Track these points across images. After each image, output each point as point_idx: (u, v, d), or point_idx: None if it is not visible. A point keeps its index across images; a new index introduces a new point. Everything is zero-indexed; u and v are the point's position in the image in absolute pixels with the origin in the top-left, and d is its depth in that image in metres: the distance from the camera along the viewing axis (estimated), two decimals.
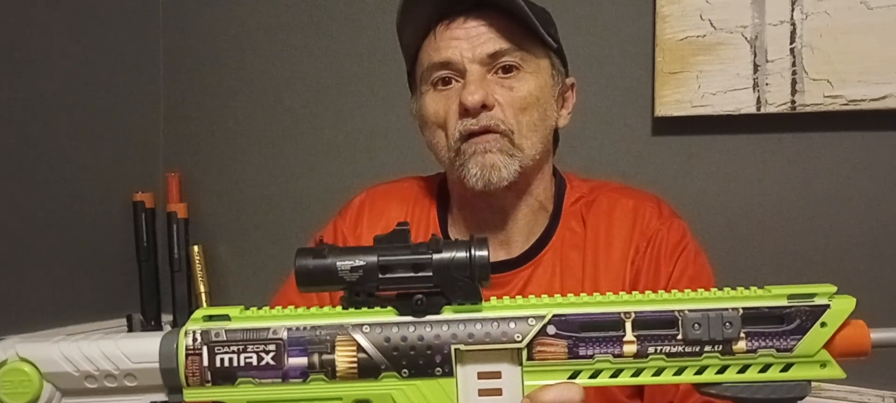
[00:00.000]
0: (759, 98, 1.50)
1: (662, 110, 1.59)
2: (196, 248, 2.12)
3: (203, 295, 2.09)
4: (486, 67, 1.02)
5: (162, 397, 0.69)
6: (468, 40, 1.02)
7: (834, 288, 0.66)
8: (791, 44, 1.47)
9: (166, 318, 2.14)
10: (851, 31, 1.42)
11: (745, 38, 1.51)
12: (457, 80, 1.03)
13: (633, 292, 0.68)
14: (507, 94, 1.02)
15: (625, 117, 1.66)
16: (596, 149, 1.68)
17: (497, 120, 1.01)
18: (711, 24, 1.53)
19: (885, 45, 1.40)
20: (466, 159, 1.02)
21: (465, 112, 1.01)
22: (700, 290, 0.67)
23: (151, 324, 2.10)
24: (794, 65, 1.47)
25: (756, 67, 1.50)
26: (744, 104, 1.52)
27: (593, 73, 1.66)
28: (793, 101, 1.48)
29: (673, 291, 0.67)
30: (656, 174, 1.62)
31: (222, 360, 0.67)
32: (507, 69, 1.03)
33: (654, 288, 1.04)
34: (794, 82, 1.47)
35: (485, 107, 1.00)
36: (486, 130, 1.01)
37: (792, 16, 1.47)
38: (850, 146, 1.48)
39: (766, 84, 1.50)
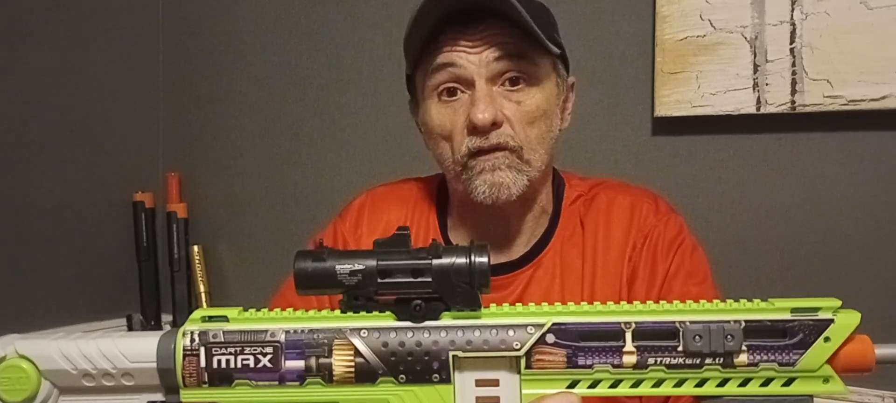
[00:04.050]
0: (759, 98, 1.50)
1: (662, 110, 1.59)
2: (196, 248, 2.12)
3: (203, 296, 2.09)
4: (493, 79, 1.00)
5: (159, 397, 0.68)
6: (475, 50, 0.99)
7: (838, 302, 0.65)
8: (791, 44, 1.47)
9: (166, 318, 2.14)
10: (851, 31, 1.42)
11: (745, 38, 1.51)
12: (462, 92, 1.01)
13: (635, 302, 0.67)
14: (516, 109, 1.00)
15: (625, 117, 1.66)
16: (596, 149, 1.68)
17: (506, 136, 0.99)
18: (711, 24, 1.53)
19: (885, 45, 1.40)
20: (474, 175, 1.01)
21: (474, 129, 0.99)
22: (702, 302, 0.66)
23: (151, 324, 2.11)
24: (793, 65, 1.47)
25: (756, 67, 1.50)
26: (744, 104, 1.52)
27: (593, 73, 1.66)
28: (793, 101, 1.48)
29: (674, 302, 0.66)
30: (656, 174, 1.62)
31: (219, 361, 0.66)
32: (515, 81, 1.01)
33: (651, 283, 1.04)
34: (793, 82, 1.47)
35: (494, 124, 0.98)
36: (495, 148, 0.99)
37: (792, 16, 1.46)
38: (850, 146, 1.48)
39: (766, 84, 1.49)
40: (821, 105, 1.46)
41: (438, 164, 1.09)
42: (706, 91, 1.54)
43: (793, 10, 1.46)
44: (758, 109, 1.51)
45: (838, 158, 1.49)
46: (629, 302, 1.00)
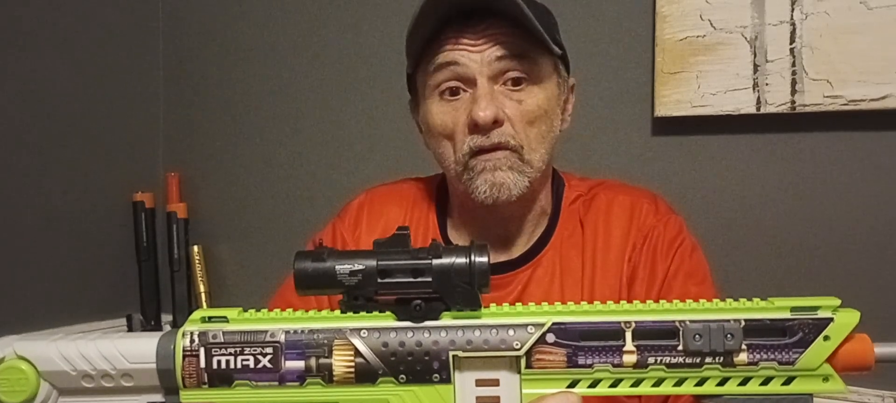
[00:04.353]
0: (759, 98, 1.50)
1: (662, 110, 1.59)
2: (196, 248, 2.12)
3: (203, 295, 2.09)
4: (494, 78, 1.00)
5: (159, 397, 0.68)
6: (477, 49, 0.99)
7: (838, 301, 0.65)
8: (791, 44, 1.47)
9: (166, 318, 2.14)
10: (851, 31, 1.42)
11: (745, 38, 1.50)
12: (464, 90, 1.01)
13: (634, 301, 0.67)
14: (516, 108, 1.00)
15: (625, 117, 1.66)
16: (596, 149, 1.68)
17: (507, 136, 0.99)
18: (711, 24, 1.53)
19: (885, 45, 1.40)
20: (475, 175, 1.01)
21: (476, 127, 0.99)
22: (701, 301, 0.66)
23: (151, 324, 2.10)
24: (793, 65, 1.47)
25: (756, 67, 1.50)
26: (744, 104, 1.52)
27: (593, 73, 1.66)
28: (793, 101, 1.48)
29: (674, 301, 0.66)
30: (656, 174, 1.62)
31: (219, 362, 0.66)
32: (517, 81, 1.01)
33: (651, 284, 1.04)
34: (793, 82, 1.47)
35: (495, 122, 0.99)
36: (496, 147, 1.00)
37: (792, 16, 1.46)
38: (850, 146, 1.47)
39: (766, 84, 1.49)
40: (821, 105, 1.46)
41: (439, 164, 1.09)
42: (706, 91, 1.54)
43: (793, 10, 1.46)
44: (758, 109, 1.51)
45: (838, 158, 1.49)
46: (629, 302, 1.00)
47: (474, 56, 0.99)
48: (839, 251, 1.50)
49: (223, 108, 2.12)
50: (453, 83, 1.02)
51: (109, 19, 2.07)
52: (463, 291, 0.65)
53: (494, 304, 0.68)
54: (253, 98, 2.08)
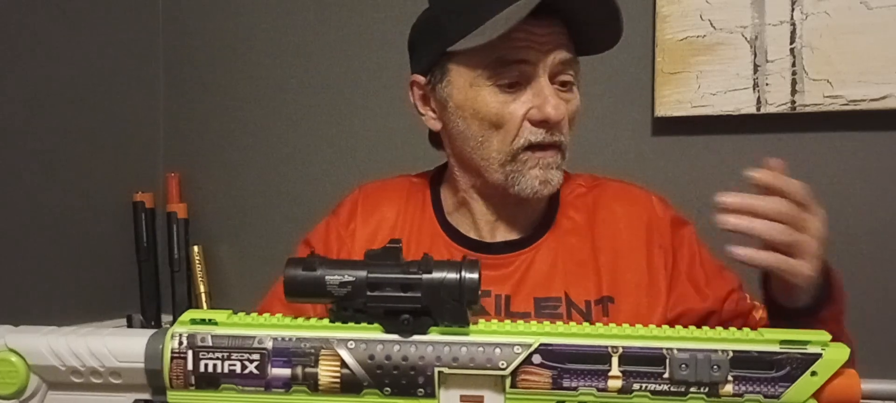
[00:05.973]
0: (759, 98, 1.50)
1: (662, 110, 1.58)
2: (196, 248, 2.11)
3: (203, 296, 2.08)
4: (551, 77, 1.01)
5: (147, 396, 0.69)
6: (544, 47, 1.00)
7: (828, 337, 0.65)
8: (791, 44, 1.46)
9: (166, 318, 2.13)
10: (851, 31, 1.42)
11: (745, 38, 1.50)
12: (517, 83, 1.01)
13: (623, 325, 0.67)
14: (566, 108, 1.02)
15: (625, 117, 1.66)
16: (596, 149, 1.67)
17: (561, 135, 1.02)
18: (711, 24, 1.52)
19: (885, 45, 1.40)
20: (525, 169, 1.02)
21: (543, 123, 1.00)
22: (691, 328, 0.66)
23: (151, 325, 2.10)
24: (794, 65, 1.46)
25: (756, 67, 1.50)
26: (744, 104, 1.51)
27: (593, 73, 1.65)
28: (793, 101, 1.47)
29: (663, 328, 0.66)
30: (656, 174, 1.61)
31: (206, 366, 0.67)
32: (567, 82, 1.03)
33: (677, 262, 1.06)
34: (794, 82, 1.47)
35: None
36: (552, 145, 1.02)
37: (792, 16, 1.46)
38: (850, 146, 1.47)
39: (766, 84, 1.49)
40: (821, 105, 1.45)
41: (466, 148, 1.06)
42: (706, 91, 1.54)
43: (793, 10, 1.46)
44: (758, 109, 1.50)
45: (838, 158, 1.48)
46: (664, 286, 1.00)
47: (542, 56, 1.00)
48: (839, 250, 1.48)
49: (223, 108, 2.11)
50: (516, 77, 1.01)
51: (109, 19, 2.07)
52: (451, 307, 0.65)
53: (483, 321, 0.67)
54: (253, 98, 2.07)
